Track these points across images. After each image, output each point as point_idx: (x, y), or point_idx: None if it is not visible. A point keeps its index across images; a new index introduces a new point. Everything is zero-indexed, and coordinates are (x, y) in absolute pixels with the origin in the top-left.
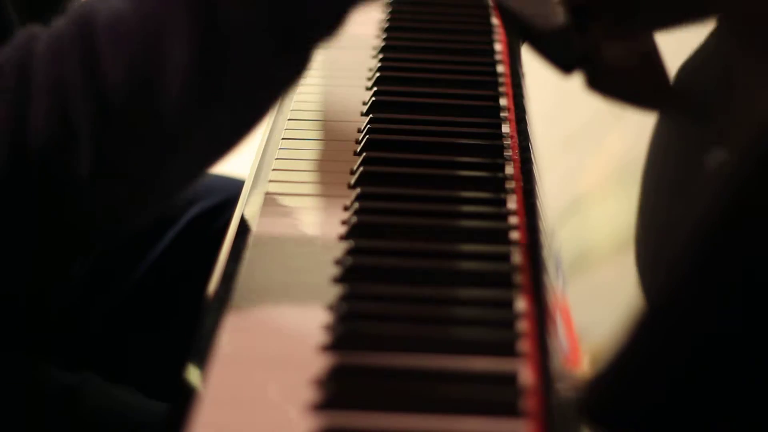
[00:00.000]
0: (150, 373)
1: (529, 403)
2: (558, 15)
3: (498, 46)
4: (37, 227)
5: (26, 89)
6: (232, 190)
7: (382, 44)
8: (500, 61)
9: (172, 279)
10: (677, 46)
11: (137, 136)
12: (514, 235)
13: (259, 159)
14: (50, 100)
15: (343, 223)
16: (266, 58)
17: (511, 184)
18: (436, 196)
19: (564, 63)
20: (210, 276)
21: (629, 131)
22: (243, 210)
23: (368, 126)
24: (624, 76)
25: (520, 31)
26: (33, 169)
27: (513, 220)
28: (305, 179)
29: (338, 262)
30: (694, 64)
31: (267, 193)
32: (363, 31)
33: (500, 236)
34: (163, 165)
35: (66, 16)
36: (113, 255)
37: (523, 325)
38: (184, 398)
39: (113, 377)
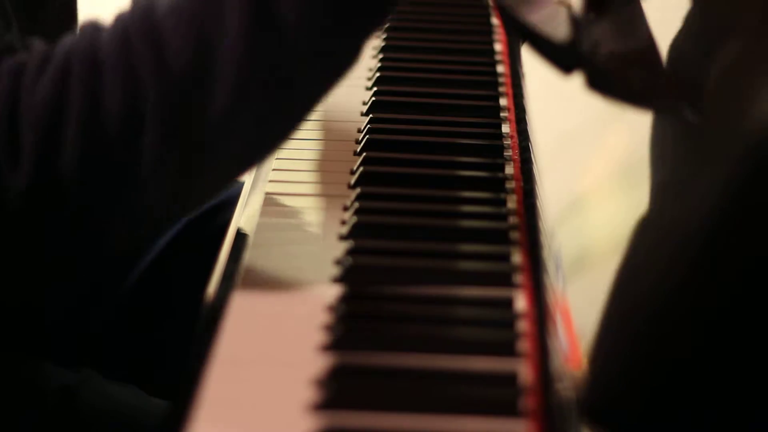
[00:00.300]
0: (150, 372)
1: (529, 403)
2: (558, 17)
3: (498, 46)
4: (101, 219)
5: (98, 73)
6: (230, 191)
7: (382, 44)
8: (500, 61)
9: (171, 278)
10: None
11: (201, 108)
12: (514, 235)
13: None
14: (121, 81)
15: (343, 223)
16: (318, 38)
17: (511, 184)
18: (436, 196)
19: (564, 63)
20: (209, 276)
21: (629, 131)
22: (243, 210)
23: (368, 126)
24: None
25: (520, 31)
26: (105, 151)
27: (513, 220)
28: (305, 179)
29: (338, 262)
30: (693, 62)
31: (267, 193)
32: None
33: (500, 236)
34: (215, 151)
35: (128, 9)
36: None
37: (523, 325)
38: (183, 398)
39: (113, 375)
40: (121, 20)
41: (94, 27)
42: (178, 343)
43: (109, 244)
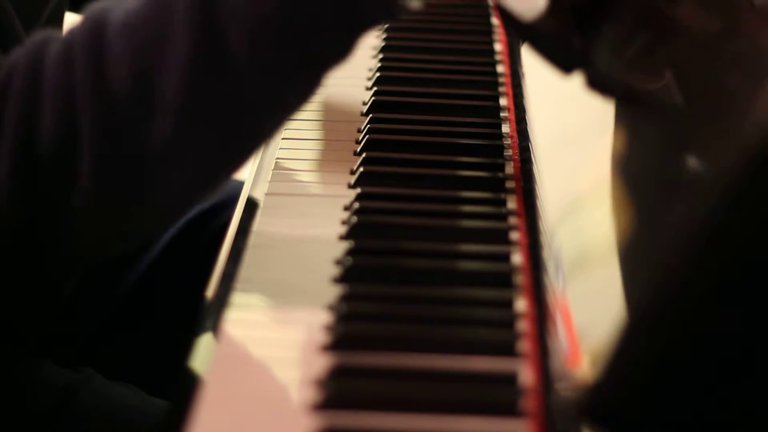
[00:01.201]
0: (150, 372)
1: (529, 403)
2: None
3: (498, 46)
4: (31, 239)
5: (36, 91)
6: (230, 190)
7: (382, 44)
8: (500, 61)
9: (171, 278)
10: None
11: (139, 137)
12: (514, 235)
13: (259, 159)
14: (59, 101)
15: (343, 223)
16: (269, 78)
17: (511, 184)
18: (436, 196)
19: (564, 63)
20: (209, 276)
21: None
22: (243, 210)
23: (368, 126)
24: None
25: (520, 31)
26: (37, 173)
27: (513, 220)
28: (305, 179)
29: (338, 262)
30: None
31: (267, 193)
32: None
33: (500, 236)
34: (154, 182)
35: (81, 19)
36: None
37: (523, 325)
38: (183, 398)
39: (113, 375)
40: (71, 34)
41: (44, 40)
42: (178, 343)
43: (52, 265)
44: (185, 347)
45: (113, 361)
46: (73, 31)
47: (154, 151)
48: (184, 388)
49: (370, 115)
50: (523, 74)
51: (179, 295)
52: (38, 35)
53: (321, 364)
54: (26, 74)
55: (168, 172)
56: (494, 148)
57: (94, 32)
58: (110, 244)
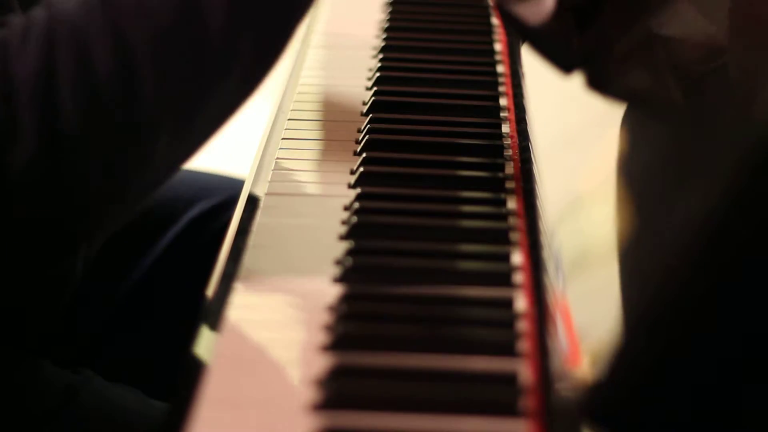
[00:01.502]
0: (150, 373)
1: (529, 403)
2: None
3: (498, 46)
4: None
5: (85, 37)
6: (232, 190)
7: (382, 44)
8: (500, 61)
9: (171, 279)
10: None
11: (193, 49)
12: (514, 235)
13: (259, 159)
14: (110, 41)
15: (343, 223)
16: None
17: (511, 184)
18: (436, 196)
19: (564, 63)
20: (210, 276)
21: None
22: (243, 210)
23: (368, 126)
24: (624, 76)
25: (520, 31)
26: (104, 112)
27: (513, 220)
28: (305, 179)
29: (338, 262)
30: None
31: (267, 193)
32: (363, 31)
33: (500, 236)
34: (213, 82)
35: None
36: (114, 254)
37: (523, 325)
38: (183, 398)
39: (113, 376)
40: None
41: None
42: (178, 343)
43: (117, 203)
44: (185, 348)
45: (113, 363)
46: None
47: (211, 51)
48: (184, 388)
49: (370, 115)
50: (523, 74)
51: (180, 295)
52: None
53: (321, 364)
54: (67, 20)
55: (230, 65)
56: (494, 148)
57: None
58: (178, 158)
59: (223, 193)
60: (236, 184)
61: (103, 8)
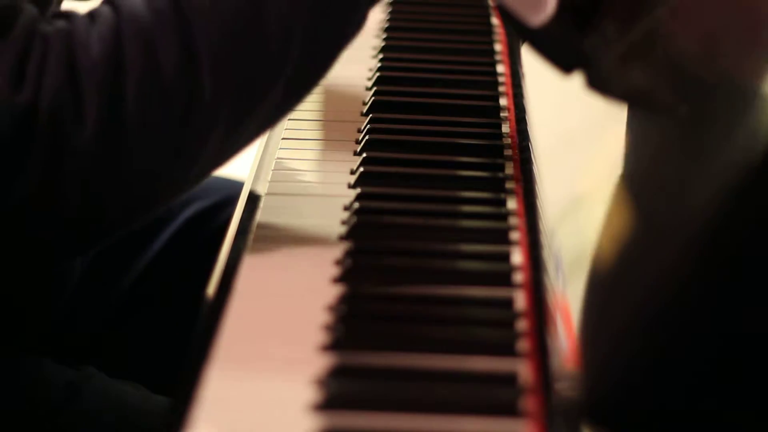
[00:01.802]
0: (152, 369)
1: (529, 403)
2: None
3: (498, 46)
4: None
5: (151, 28)
6: (230, 190)
7: (382, 44)
8: (500, 61)
9: (170, 277)
10: None
11: (251, 53)
12: (514, 235)
13: (259, 159)
14: (175, 33)
15: (343, 223)
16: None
17: (511, 184)
18: (436, 196)
19: (564, 63)
20: (209, 275)
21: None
22: (243, 210)
23: (368, 126)
24: (624, 76)
25: (521, 32)
26: (166, 103)
27: (513, 220)
28: (305, 179)
29: (338, 262)
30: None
31: (267, 193)
32: (363, 31)
33: (500, 236)
34: (267, 88)
35: None
36: (111, 252)
37: (523, 325)
38: (183, 398)
39: (114, 372)
40: None
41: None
42: (179, 340)
43: (159, 193)
44: (185, 345)
45: (115, 359)
46: None
47: (267, 56)
48: (184, 388)
49: (370, 115)
50: (523, 74)
51: (178, 293)
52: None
53: (321, 364)
54: (132, 10)
55: (278, 75)
56: (494, 148)
57: None
58: (226, 153)
59: (221, 193)
60: (234, 184)
61: (173, 8)
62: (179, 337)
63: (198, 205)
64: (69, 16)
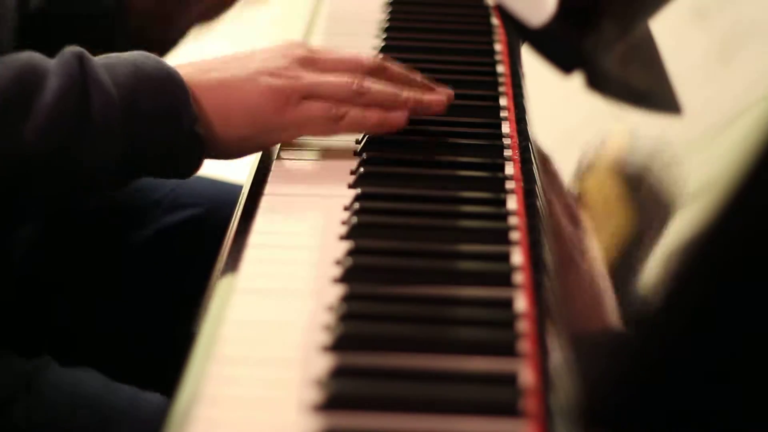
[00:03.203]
0: (112, 357)
1: (529, 403)
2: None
3: (498, 46)
4: None
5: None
6: (230, 190)
7: (382, 44)
8: (500, 61)
9: (171, 276)
10: (676, 44)
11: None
12: (514, 235)
13: (259, 159)
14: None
15: (343, 223)
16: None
17: (511, 184)
18: (435, 196)
19: (564, 63)
20: (209, 275)
21: (629, 131)
22: (242, 210)
23: None
24: (624, 76)
25: (521, 32)
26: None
27: (513, 220)
28: (305, 179)
29: (338, 262)
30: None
31: (267, 193)
32: (363, 31)
33: (500, 236)
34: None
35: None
36: (89, 244)
37: (523, 325)
38: (183, 398)
39: (71, 361)
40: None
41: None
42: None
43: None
44: (185, 347)
45: (72, 348)
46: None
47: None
48: (182, 388)
49: None
50: (523, 74)
51: (172, 293)
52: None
53: (321, 364)
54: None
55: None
56: (494, 148)
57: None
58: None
59: (222, 193)
60: (231, 188)
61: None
62: (148, 325)
63: (198, 205)
64: None
